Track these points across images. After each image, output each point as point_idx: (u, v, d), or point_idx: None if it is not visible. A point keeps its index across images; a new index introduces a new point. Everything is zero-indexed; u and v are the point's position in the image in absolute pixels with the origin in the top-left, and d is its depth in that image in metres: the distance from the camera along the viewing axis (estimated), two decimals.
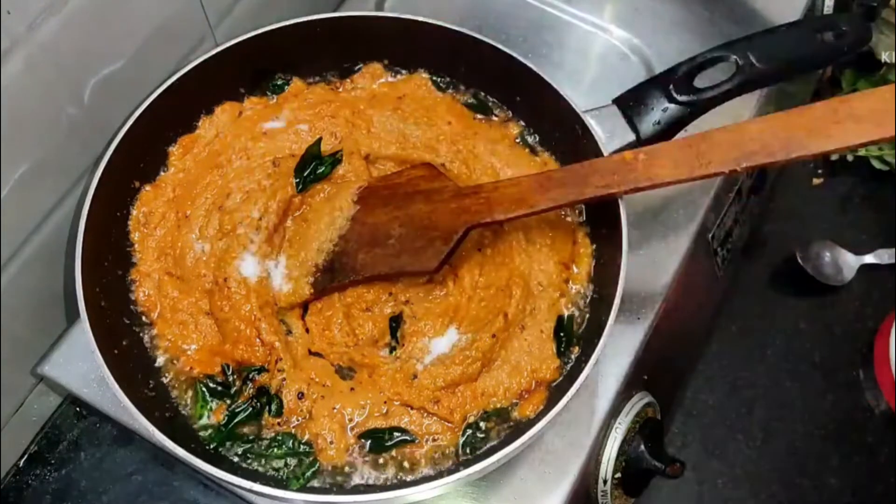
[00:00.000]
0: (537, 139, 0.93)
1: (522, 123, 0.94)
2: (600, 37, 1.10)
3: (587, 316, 0.84)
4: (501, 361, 0.81)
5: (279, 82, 0.94)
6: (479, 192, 0.79)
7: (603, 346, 0.75)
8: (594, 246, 0.87)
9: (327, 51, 0.94)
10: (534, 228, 0.86)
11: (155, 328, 0.83)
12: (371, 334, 0.82)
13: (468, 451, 0.78)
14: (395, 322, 0.83)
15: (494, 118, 0.94)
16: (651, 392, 0.94)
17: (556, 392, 0.80)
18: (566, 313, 0.84)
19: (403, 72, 0.96)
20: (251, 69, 0.93)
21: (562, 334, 0.82)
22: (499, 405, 0.80)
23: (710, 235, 1.03)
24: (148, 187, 0.87)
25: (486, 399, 0.80)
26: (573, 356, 0.82)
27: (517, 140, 0.93)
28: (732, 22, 1.11)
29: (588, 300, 0.85)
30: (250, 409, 0.80)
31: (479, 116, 0.94)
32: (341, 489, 0.76)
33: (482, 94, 0.95)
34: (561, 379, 0.81)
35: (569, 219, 0.88)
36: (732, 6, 1.13)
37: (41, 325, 0.87)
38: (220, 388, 0.81)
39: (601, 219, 0.85)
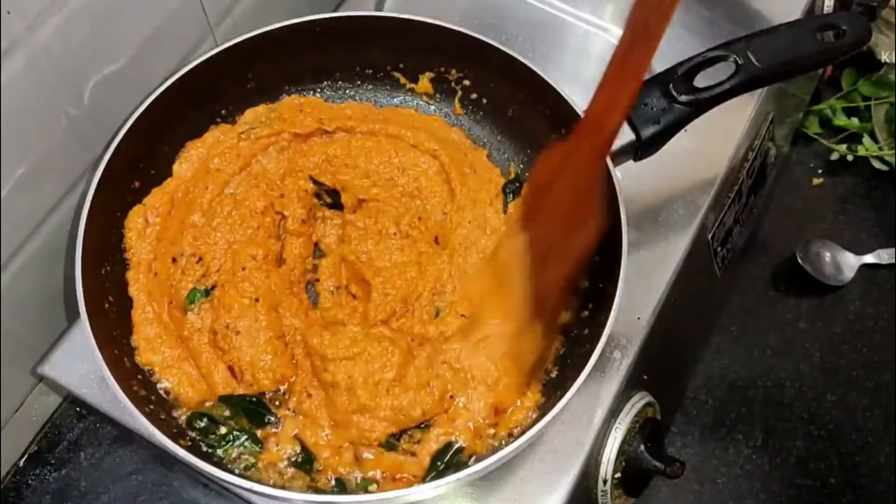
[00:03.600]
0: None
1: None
2: (600, 37, 1.10)
3: (587, 317, 0.84)
4: None
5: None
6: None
7: (602, 347, 0.75)
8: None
9: (327, 50, 0.94)
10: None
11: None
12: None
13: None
14: None
15: None
16: (651, 392, 0.94)
17: (555, 392, 0.80)
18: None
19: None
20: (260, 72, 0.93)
21: None
22: None
23: (710, 235, 1.03)
24: (149, 188, 0.87)
25: None
26: (573, 356, 0.82)
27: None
28: (732, 22, 1.10)
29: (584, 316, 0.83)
30: None
31: None
32: (342, 489, 0.76)
33: None
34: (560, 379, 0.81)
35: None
36: (732, 6, 1.12)
37: (41, 325, 0.87)
38: None
39: None
